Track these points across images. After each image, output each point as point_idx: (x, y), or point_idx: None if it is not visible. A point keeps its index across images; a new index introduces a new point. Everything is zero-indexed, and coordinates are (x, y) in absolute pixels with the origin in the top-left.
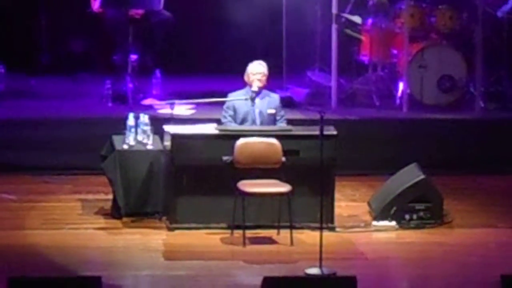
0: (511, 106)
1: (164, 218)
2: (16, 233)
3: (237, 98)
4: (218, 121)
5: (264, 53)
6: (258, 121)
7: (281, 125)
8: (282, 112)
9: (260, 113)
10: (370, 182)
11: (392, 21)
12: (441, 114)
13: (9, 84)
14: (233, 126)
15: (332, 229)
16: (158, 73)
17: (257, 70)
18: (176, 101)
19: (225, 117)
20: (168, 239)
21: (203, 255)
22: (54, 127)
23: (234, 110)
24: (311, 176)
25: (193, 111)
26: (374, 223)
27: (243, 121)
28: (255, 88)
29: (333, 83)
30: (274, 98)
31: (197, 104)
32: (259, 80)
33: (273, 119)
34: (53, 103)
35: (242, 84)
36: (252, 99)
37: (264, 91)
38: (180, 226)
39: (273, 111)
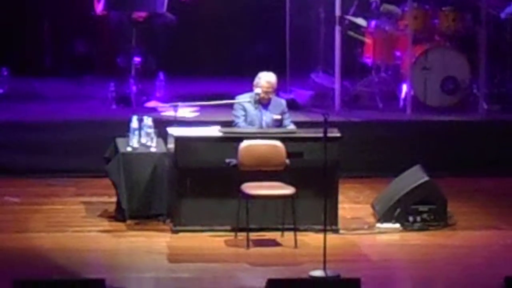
0: None
1: (168, 220)
2: (20, 235)
3: (241, 100)
4: (222, 123)
5: (268, 55)
6: (264, 126)
7: (290, 127)
8: (288, 115)
9: (267, 118)
10: (373, 184)
11: (396, 23)
12: (445, 116)
13: (13, 86)
14: (237, 129)
15: (336, 231)
16: (161, 75)
17: (265, 81)
18: (180, 104)
19: (237, 116)
20: (172, 241)
21: (207, 257)
22: (57, 130)
23: (245, 111)
24: (315, 178)
25: (196, 114)
26: (378, 225)
27: (249, 124)
28: (262, 99)
29: (337, 85)
30: (280, 102)
31: (201, 106)
32: (265, 92)
33: (279, 125)
34: (56, 105)
35: (244, 86)
36: (256, 102)
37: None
38: (184, 228)
39: (279, 117)
